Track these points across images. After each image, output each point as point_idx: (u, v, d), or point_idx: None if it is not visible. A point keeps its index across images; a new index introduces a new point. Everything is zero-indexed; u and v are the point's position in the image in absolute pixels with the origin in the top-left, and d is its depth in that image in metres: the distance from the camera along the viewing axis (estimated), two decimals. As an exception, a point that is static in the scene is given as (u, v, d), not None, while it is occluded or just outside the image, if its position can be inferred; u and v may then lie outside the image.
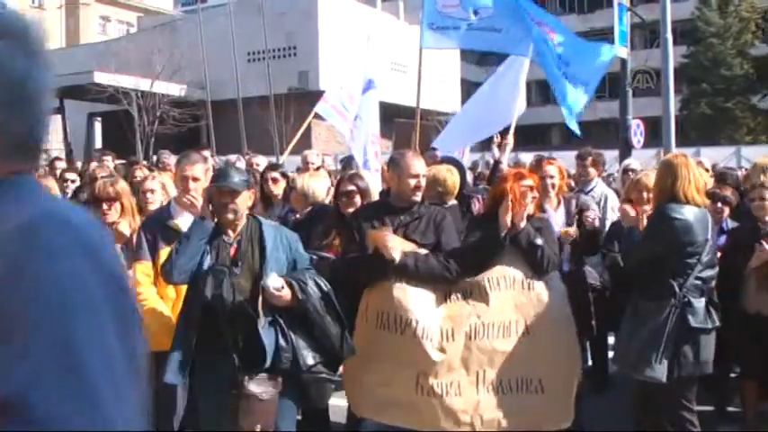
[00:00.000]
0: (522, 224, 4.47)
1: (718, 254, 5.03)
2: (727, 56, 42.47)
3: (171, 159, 9.39)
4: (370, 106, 8.63)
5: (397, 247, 4.29)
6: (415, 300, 4.29)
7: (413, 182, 4.55)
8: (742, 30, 43.21)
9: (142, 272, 4.51)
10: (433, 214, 4.59)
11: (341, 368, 4.38)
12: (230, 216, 3.94)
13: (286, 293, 3.85)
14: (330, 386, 4.10)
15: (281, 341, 3.87)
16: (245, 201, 3.99)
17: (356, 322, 4.35)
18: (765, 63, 41.66)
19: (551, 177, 5.66)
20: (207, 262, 3.89)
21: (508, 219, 4.44)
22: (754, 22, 43.51)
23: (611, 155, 21.77)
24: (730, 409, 6.18)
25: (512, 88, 7.78)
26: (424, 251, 4.40)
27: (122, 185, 4.98)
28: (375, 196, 5.48)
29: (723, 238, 5.89)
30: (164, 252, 4.49)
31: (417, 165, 4.60)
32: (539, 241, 4.42)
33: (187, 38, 32.39)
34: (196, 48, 28.31)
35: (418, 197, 4.60)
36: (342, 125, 9.02)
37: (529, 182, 4.66)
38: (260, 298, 3.87)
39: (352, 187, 5.28)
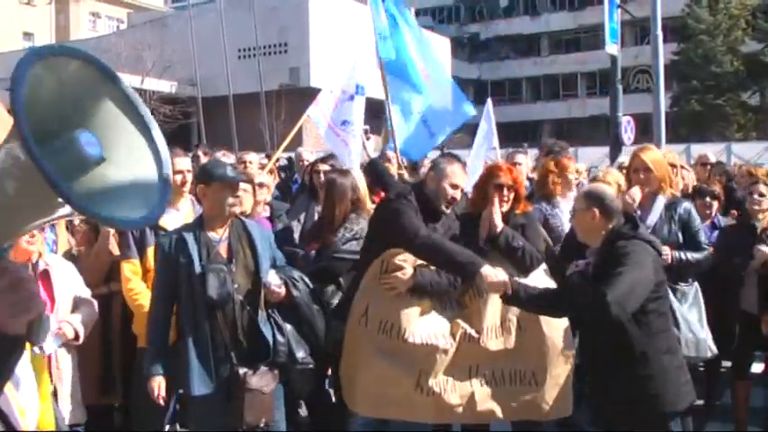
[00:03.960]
0: (500, 227, 4.45)
1: (710, 249, 5.08)
2: (717, 53, 42.59)
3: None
4: (357, 112, 8.61)
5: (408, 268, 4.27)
6: (415, 312, 4.29)
7: (449, 189, 4.39)
8: (732, 27, 43.35)
9: (130, 270, 4.53)
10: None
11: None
12: (236, 209, 4.04)
13: (283, 290, 3.98)
14: (312, 377, 4.22)
15: (278, 335, 3.99)
16: (244, 194, 4.12)
17: (350, 323, 4.34)
18: (755, 60, 41.83)
19: (571, 173, 5.77)
20: (197, 261, 3.90)
21: (485, 229, 4.47)
22: (744, 19, 43.66)
23: (601, 151, 21.86)
24: (719, 403, 6.22)
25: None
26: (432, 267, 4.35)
27: None
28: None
29: (715, 234, 5.90)
30: (151, 250, 4.51)
31: (457, 174, 4.44)
32: (518, 242, 4.41)
33: (177, 34, 32.31)
34: (186, 44, 28.24)
35: (449, 209, 4.48)
36: (332, 141, 8.93)
37: (503, 180, 4.58)
38: (261, 294, 4.00)
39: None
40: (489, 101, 9.97)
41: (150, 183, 1.12)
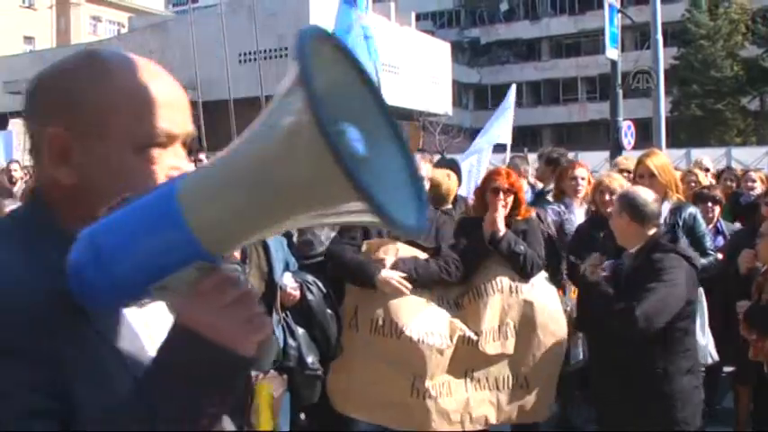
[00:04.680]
0: (502, 231, 4.45)
1: (719, 255, 5.09)
2: (717, 57, 42.62)
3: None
4: None
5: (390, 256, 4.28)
6: (410, 306, 4.29)
7: None
8: (732, 32, 43.36)
9: None
10: (434, 219, 4.58)
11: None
12: None
13: (298, 293, 3.97)
14: (319, 384, 4.17)
15: (289, 339, 3.97)
16: None
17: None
18: (755, 65, 41.85)
19: (582, 179, 5.72)
20: None
21: (488, 230, 4.47)
22: (743, 23, 43.68)
23: (601, 156, 21.84)
24: (719, 407, 6.21)
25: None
26: (424, 255, 4.40)
27: None
28: None
29: (719, 239, 5.90)
30: None
31: (423, 168, 4.54)
32: (520, 248, 4.42)
33: (178, 38, 32.38)
34: (187, 48, 28.29)
35: None
36: None
37: (500, 183, 4.57)
38: (277, 296, 3.98)
39: None
40: (513, 87, 9.92)
41: (403, 185, 0.97)
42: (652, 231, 3.81)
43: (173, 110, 1.15)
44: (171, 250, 0.97)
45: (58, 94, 1.13)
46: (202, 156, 9.30)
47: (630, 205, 3.86)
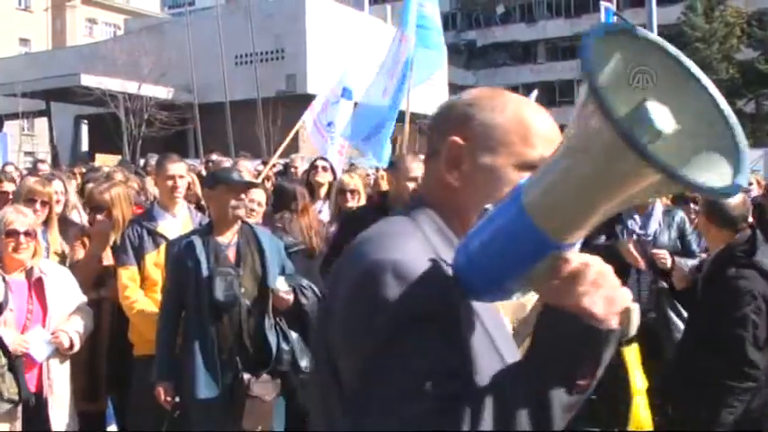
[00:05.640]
0: None
1: (704, 256, 5.12)
2: (712, 60, 42.71)
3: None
4: (342, 115, 8.62)
5: None
6: None
7: (411, 185, 4.43)
8: (727, 34, 43.48)
9: (128, 277, 4.44)
10: None
11: None
12: (240, 212, 4.02)
13: (291, 297, 3.96)
14: None
15: (283, 343, 3.98)
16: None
17: None
18: (751, 67, 41.95)
19: None
20: (204, 265, 3.90)
21: None
22: (739, 26, 43.80)
23: (597, 158, 21.90)
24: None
25: None
26: None
27: (117, 191, 4.84)
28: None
29: (703, 241, 5.92)
30: (149, 257, 4.48)
31: (416, 168, 4.48)
32: None
33: (174, 40, 32.36)
34: (183, 50, 28.32)
35: None
36: (316, 138, 8.93)
37: None
38: (270, 300, 3.99)
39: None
40: (535, 93, 10.02)
41: (725, 149, 1.05)
42: (734, 236, 3.55)
43: (551, 143, 1.32)
44: (525, 250, 1.13)
45: (465, 112, 1.38)
46: (214, 156, 9.33)
47: (708, 205, 3.62)
